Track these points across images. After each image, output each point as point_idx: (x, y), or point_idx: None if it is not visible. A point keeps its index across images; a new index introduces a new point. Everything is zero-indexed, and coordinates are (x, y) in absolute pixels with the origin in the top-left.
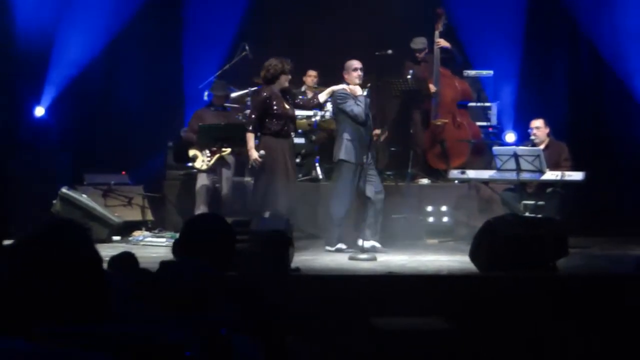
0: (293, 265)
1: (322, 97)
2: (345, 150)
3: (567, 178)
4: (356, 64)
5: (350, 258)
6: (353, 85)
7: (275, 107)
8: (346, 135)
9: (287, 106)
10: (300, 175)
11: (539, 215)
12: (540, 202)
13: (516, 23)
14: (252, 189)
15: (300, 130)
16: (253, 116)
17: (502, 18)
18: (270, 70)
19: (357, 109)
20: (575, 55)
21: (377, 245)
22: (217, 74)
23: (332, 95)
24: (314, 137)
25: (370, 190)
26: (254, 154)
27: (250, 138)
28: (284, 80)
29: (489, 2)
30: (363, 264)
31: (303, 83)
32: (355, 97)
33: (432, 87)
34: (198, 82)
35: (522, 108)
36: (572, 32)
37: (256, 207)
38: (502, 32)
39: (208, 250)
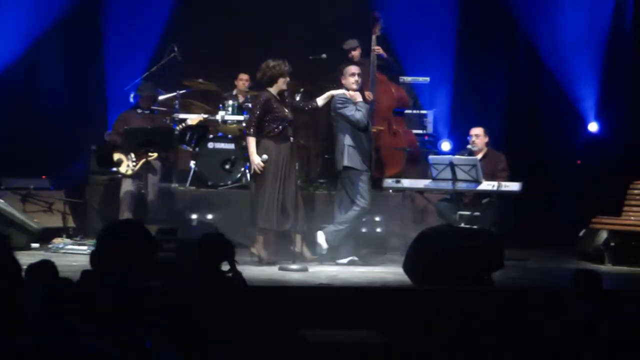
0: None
1: (321, 101)
2: (348, 156)
3: (503, 189)
4: (353, 69)
5: (281, 268)
6: (352, 90)
7: (275, 111)
8: (347, 141)
9: (286, 109)
10: (229, 182)
11: (475, 227)
12: (476, 213)
13: (449, 29)
14: (255, 196)
15: (230, 136)
16: (253, 120)
17: (436, 24)
18: (267, 73)
19: (358, 114)
20: (512, 63)
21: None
22: (144, 75)
23: (331, 100)
24: (244, 143)
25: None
26: (257, 159)
27: (252, 142)
28: (282, 83)
29: (422, 8)
30: (293, 275)
31: (234, 86)
32: (355, 102)
33: (368, 94)
34: (122, 83)
35: (458, 116)
36: (510, 38)
37: (260, 214)
38: (436, 38)
39: (127, 259)
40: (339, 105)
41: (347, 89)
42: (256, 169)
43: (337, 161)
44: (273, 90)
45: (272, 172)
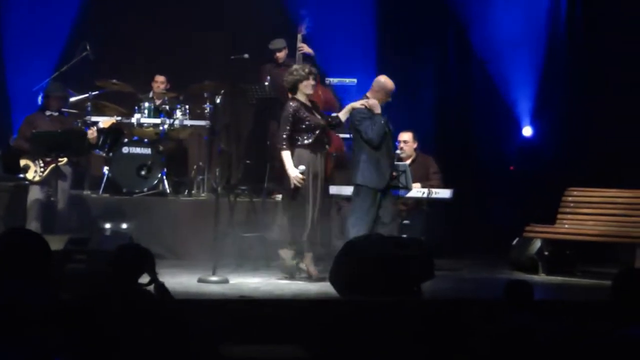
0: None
1: (343, 116)
2: (361, 173)
3: (434, 196)
4: (391, 85)
5: (200, 280)
6: (374, 98)
7: (306, 119)
8: (363, 157)
9: (317, 115)
10: (145, 189)
11: (404, 235)
12: (406, 221)
13: (373, 27)
14: (297, 210)
15: (146, 140)
16: (284, 133)
17: (359, 22)
18: (289, 80)
19: (371, 132)
20: (442, 62)
21: None
22: (54, 75)
23: (351, 113)
24: (161, 148)
25: (386, 217)
26: (294, 172)
27: (287, 156)
28: (305, 88)
29: (344, 6)
30: (213, 287)
31: (150, 89)
32: (374, 114)
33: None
34: (27, 84)
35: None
36: (440, 36)
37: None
38: (360, 37)
39: (21, 271)
40: (356, 122)
41: (370, 96)
42: (295, 183)
43: (353, 176)
44: (300, 97)
45: (312, 183)
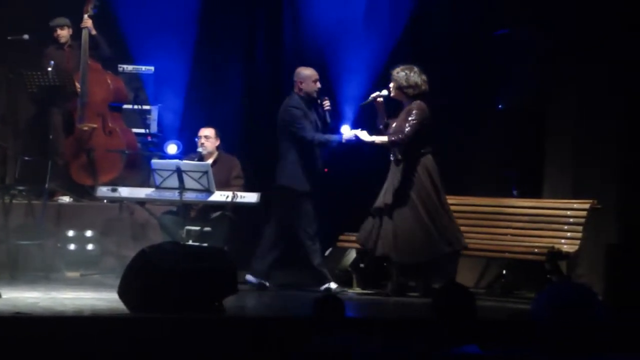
0: None
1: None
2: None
3: (238, 200)
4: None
5: None
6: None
7: None
8: (290, 157)
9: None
10: None
11: (205, 244)
12: (207, 228)
13: (186, 10)
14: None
15: None
16: None
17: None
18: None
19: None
20: (251, 50)
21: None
22: None
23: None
24: None
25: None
26: None
27: None
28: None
29: None
30: None
31: None
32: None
33: (76, 85)
34: None
35: (188, 114)
36: (251, 25)
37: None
38: (167, 20)
39: None
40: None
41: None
42: None
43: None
44: None
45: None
